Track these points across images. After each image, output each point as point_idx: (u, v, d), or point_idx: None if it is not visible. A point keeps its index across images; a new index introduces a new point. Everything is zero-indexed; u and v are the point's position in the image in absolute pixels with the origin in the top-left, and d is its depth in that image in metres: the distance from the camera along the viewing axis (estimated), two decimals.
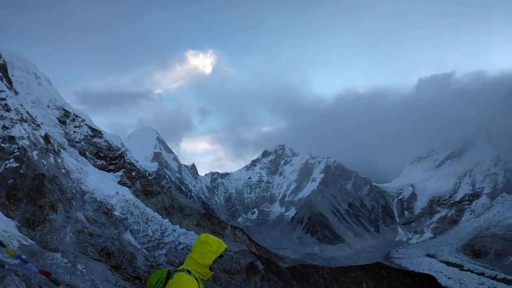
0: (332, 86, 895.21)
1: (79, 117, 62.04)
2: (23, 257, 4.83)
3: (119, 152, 64.33)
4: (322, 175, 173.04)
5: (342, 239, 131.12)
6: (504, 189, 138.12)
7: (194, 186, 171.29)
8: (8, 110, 47.06)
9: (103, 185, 55.08)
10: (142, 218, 53.99)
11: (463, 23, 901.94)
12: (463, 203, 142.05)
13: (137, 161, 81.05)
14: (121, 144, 70.44)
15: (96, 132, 63.10)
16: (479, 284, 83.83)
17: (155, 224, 53.77)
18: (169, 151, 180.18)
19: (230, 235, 61.58)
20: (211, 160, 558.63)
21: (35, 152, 47.43)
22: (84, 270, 35.28)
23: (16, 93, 53.53)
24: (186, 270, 3.98)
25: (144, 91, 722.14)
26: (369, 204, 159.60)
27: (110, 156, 62.37)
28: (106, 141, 63.53)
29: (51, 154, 50.36)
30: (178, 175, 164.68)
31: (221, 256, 4.21)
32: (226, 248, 4.26)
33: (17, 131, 46.48)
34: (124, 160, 63.58)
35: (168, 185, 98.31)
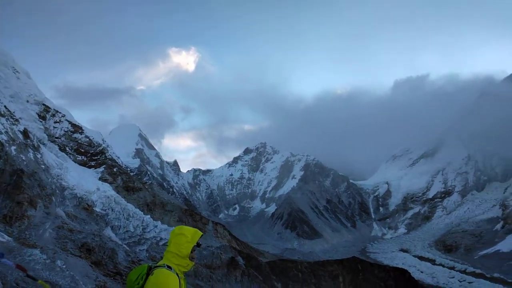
0: (312, 86, 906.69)
1: (60, 112, 61.21)
2: None
3: (100, 148, 63.90)
4: (302, 173, 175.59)
5: (320, 235, 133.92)
6: (474, 187, 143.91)
7: (176, 183, 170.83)
8: None
9: (84, 181, 54.79)
10: (123, 214, 54.05)
11: (437, 27, 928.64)
12: (436, 200, 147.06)
13: (118, 157, 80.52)
14: (102, 140, 69.88)
15: (77, 128, 62.47)
16: (450, 278, 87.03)
17: (137, 220, 53.96)
18: (151, 147, 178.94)
19: (212, 231, 62.40)
20: (193, 157, 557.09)
21: (13, 147, 46.80)
22: (64, 266, 35.31)
23: None
24: (167, 265, 3.93)
25: (126, 87, 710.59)
26: (346, 201, 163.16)
27: (91, 152, 61.92)
28: (87, 137, 62.97)
29: (30, 150, 49.77)
30: (160, 171, 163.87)
31: (198, 245, 4.18)
32: (202, 235, 4.22)
33: None
34: (105, 156, 63.23)
35: (150, 182, 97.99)
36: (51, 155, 53.68)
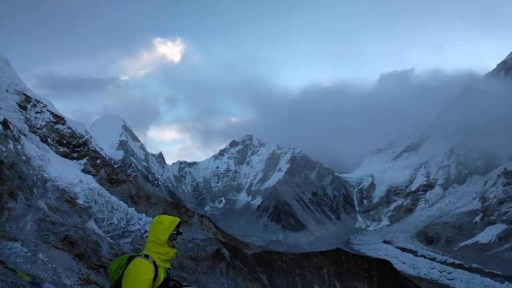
0: (299, 79, 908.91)
1: (41, 102, 59.59)
2: None
3: (83, 139, 62.64)
4: (288, 165, 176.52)
5: (305, 227, 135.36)
6: (456, 180, 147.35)
7: (161, 175, 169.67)
8: None
9: (66, 173, 53.67)
10: (106, 207, 53.27)
11: (423, 22, 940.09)
12: (418, 193, 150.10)
13: (102, 149, 79.18)
14: (85, 131, 68.49)
15: (59, 119, 61.00)
16: (431, 269, 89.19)
17: (120, 213, 53.26)
18: (136, 139, 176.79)
19: (197, 223, 62.18)
20: (179, 149, 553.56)
21: None
22: (46, 259, 34.69)
23: None
24: (145, 255, 3.99)
25: (110, 77, 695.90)
26: (331, 193, 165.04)
27: (73, 143, 60.65)
28: (69, 128, 61.57)
29: (10, 140, 48.38)
30: (144, 163, 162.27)
31: (178, 232, 4.17)
32: (180, 221, 4.22)
33: None
34: (88, 147, 62.05)
35: (134, 174, 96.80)
36: (32, 146, 52.36)
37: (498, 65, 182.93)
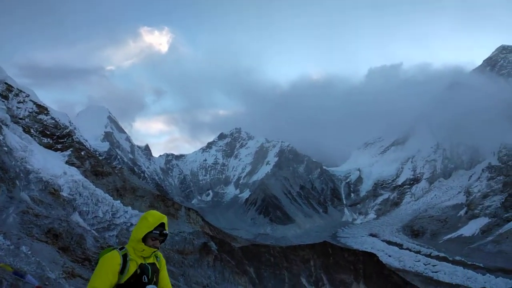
0: (288, 73, 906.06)
1: (23, 92, 57.84)
2: None
3: (67, 130, 61.17)
4: (276, 159, 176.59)
5: (293, 220, 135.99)
6: (441, 174, 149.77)
7: (148, 168, 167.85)
8: None
9: (50, 164, 52.40)
10: (91, 199, 52.29)
11: (412, 16, 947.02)
12: (404, 187, 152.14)
13: (86, 141, 77.71)
14: (69, 122, 66.94)
15: (42, 109, 59.37)
16: (416, 261, 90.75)
17: (106, 206, 52.35)
18: (121, 131, 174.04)
19: (184, 217, 61.61)
20: (166, 142, 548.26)
21: None
22: (29, 252, 33.82)
23: None
24: (121, 247, 3.96)
25: (94, 67, 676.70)
26: (319, 187, 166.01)
27: (57, 134, 59.16)
28: (52, 118, 60.00)
29: None
30: (130, 155, 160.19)
31: (162, 234, 3.95)
32: (163, 222, 3.97)
33: None
34: (72, 139, 60.64)
35: (120, 166, 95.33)
36: (14, 137, 50.86)
37: (484, 61, 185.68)
